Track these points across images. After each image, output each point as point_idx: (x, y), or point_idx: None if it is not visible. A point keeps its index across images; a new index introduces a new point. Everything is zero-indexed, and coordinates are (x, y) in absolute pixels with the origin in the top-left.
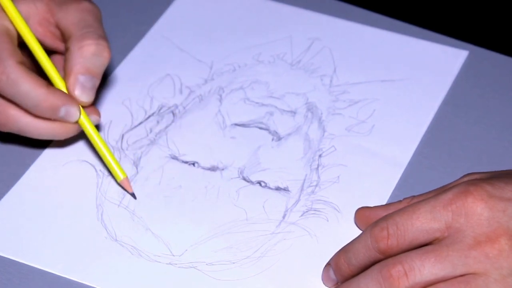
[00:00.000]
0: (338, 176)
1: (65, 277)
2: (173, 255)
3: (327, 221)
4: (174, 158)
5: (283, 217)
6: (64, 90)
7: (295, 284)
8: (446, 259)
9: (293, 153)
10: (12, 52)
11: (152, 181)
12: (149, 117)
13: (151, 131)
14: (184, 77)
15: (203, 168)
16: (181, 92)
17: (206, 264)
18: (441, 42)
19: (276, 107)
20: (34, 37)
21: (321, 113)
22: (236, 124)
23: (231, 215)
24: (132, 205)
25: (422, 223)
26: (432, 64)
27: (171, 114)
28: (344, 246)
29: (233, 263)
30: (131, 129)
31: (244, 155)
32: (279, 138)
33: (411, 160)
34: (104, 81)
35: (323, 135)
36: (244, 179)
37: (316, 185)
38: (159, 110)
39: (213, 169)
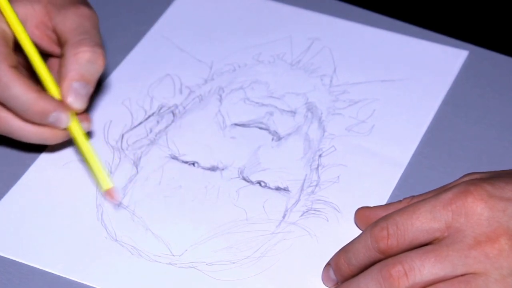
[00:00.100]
0: (338, 176)
1: (65, 277)
2: (173, 255)
3: (327, 221)
4: (174, 158)
5: (283, 217)
6: (58, 95)
7: (295, 284)
8: (446, 259)
9: (293, 153)
10: (6, 55)
11: (152, 181)
12: (149, 117)
13: (151, 131)
14: (184, 77)
15: (203, 168)
16: (181, 92)
17: (206, 264)
18: (441, 42)
19: (276, 107)
20: (30, 41)
21: (321, 113)
22: (236, 124)
23: (231, 215)
24: (132, 205)
25: (422, 223)
26: (432, 64)
27: (171, 114)
28: (344, 246)
29: (233, 263)
30: (131, 129)
31: (244, 155)
32: (279, 138)
33: (411, 160)
34: (104, 81)
35: (323, 135)
36: (244, 179)
37: (316, 185)
38: (159, 110)
39: (213, 169)
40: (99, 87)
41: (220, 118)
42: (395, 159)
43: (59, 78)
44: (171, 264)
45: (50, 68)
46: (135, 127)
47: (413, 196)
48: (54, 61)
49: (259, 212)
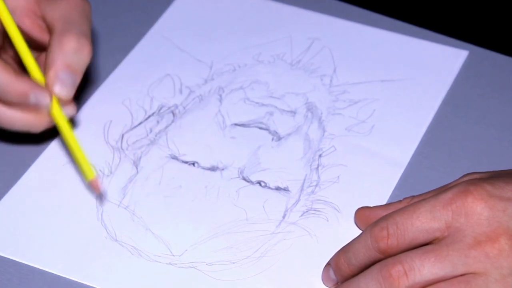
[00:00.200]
0: (338, 176)
1: (65, 277)
2: (173, 255)
3: (327, 221)
4: (174, 158)
5: (283, 217)
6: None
7: (295, 284)
8: (446, 259)
9: (293, 153)
10: None
11: (152, 181)
12: (149, 117)
13: (151, 131)
14: (184, 77)
15: (203, 168)
16: (181, 92)
17: (206, 264)
18: (441, 42)
19: (276, 107)
20: (16, 29)
21: (321, 113)
22: (236, 124)
23: (231, 215)
24: (132, 205)
25: (422, 222)
26: (432, 64)
27: (171, 114)
28: (344, 246)
29: (233, 263)
30: (131, 129)
31: (244, 155)
32: (279, 138)
33: (411, 160)
34: (104, 81)
35: (323, 135)
36: (244, 179)
37: (316, 185)
38: (159, 110)
39: (213, 169)
40: (101, 85)
41: (220, 118)
42: (395, 159)
43: (45, 68)
44: (171, 264)
45: (40, 64)
46: (135, 127)
47: (413, 196)
48: (44, 57)
49: (259, 212)
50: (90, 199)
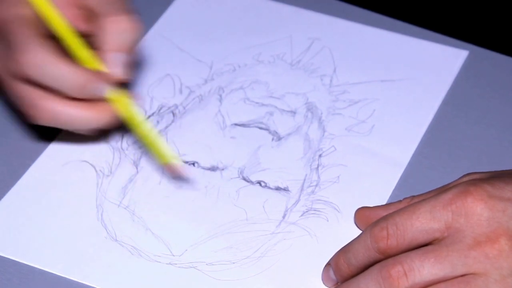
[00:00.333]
0: (338, 176)
1: (65, 277)
2: (173, 255)
3: (327, 221)
4: None
5: (283, 217)
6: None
7: (295, 284)
8: (446, 259)
9: (293, 153)
10: (34, 36)
11: (152, 181)
12: (149, 117)
13: None
14: (184, 77)
15: (203, 168)
16: (181, 92)
17: (206, 264)
18: (441, 42)
19: (276, 107)
20: (63, 23)
21: (321, 113)
22: (236, 124)
23: (231, 215)
24: (132, 205)
25: (422, 223)
26: (432, 64)
27: (171, 114)
28: (344, 246)
29: (233, 263)
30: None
31: (244, 155)
32: (279, 138)
33: (411, 160)
34: None
35: (323, 135)
36: (244, 179)
37: (316, 185)
38: (159, 110)
39: (213, 169)
40: None
41: (220, 118)
42: (395, 159)
43: (97, 52)
44: (171, 264)
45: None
46: None
47: (413, 196)
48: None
49: (259, 212)
50: (90, 199)
